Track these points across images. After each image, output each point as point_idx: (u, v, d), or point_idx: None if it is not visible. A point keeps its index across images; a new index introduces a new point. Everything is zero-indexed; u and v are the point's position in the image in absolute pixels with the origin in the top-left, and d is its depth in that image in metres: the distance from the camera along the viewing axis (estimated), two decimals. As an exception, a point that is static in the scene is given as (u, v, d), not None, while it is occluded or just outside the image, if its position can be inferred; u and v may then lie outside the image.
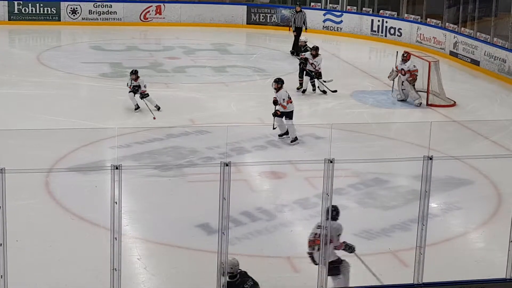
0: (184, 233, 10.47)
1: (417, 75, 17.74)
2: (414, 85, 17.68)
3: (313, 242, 8.59)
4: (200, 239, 10.25)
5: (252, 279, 8.18)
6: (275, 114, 14.30)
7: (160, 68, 20.93)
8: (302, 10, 23.67)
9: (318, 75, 18.14)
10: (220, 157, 12.81)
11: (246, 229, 10.60)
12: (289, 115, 14.38)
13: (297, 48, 22.16)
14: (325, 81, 18.15)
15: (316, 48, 18.21)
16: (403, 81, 17.74)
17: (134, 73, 16.36)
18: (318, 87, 18.21)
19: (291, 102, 14.46)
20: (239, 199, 10.77)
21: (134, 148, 13.63)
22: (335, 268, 8.55)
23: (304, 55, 18.44)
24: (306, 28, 23.22)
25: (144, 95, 16.18)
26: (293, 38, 23.09)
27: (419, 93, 17.71)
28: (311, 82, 18.25)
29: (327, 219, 8.27)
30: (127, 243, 9.76)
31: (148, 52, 23.40)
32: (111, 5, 27.23)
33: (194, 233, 10.43)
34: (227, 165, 7.93)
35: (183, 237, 10.34)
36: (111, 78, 19.52)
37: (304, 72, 18.22)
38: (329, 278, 8.25)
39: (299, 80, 18.57)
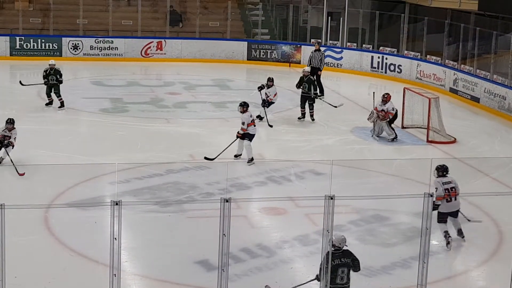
0: (183, 269, 10.41)
1: (393, 114, 17.65)
2: (388, 122, 17.67)
3: None
4: (199, 276, 10.18)
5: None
6: (237, 136, 15.42)
7: (160, 104, 20.99)
8: (321, 48, 23.15)
9: (268, 104, 18.62)
10: (220, 193, 12.78)
11: (246, 266, 10.54)
12: (249, 136, 15.35)
13: (321, 89, 21.68)
14: (335, 106, 18.95)
15: (271, 80, 18.90)
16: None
17: (11, 122, 14.62)
18: (261, 116, 18.55)
19: (253, 125, 15.48)
20: (239, 235, 10.74)
21: (133, 184, 13.61)
22: None
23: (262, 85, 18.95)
24: (321, 69, 22.16)
25: (7, 145, 14.42)
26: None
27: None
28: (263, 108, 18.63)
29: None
30: (126, 280, 9.69)
31: (149, 87, 23.48)
32: (112, 41, 27.39)
33: (194, 270, 10.37)
34: (227, 201, 7.93)
35: (183, 274, 10.27)
36: (112, 114, 19.56)
37: (261, 101, 18.66)
38: None
39: (301, 110, 18.76)
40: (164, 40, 27.91)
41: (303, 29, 28.84)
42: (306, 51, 27.58)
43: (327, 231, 8.26)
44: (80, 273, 10.17)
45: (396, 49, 26.11)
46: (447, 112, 19.43)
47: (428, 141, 17.60)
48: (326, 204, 8.20)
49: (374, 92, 18.94)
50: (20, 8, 27.65)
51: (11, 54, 26.73)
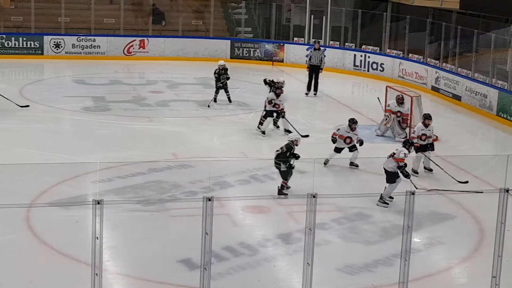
0: (166, 268, 10.38)
1: (408, 116, 17.80)
2: (399, 121, 17.77)
3: None
4: (182, 274, 10.16)
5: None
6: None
7: (143, 102, 20.94)
8: (321, 48, 23.27)
9: (282, 114, 17.51)
10: (203, 191, 12.77)
11: (228, 264, 10.53)
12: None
13: (316, 87, 22.07)
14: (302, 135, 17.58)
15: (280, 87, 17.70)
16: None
17: None
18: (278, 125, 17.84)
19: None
20: (222, 234, 10.73)
21: (116, 183, 13.56)
22: None
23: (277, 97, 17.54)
24: (322, 68, 22.48)
25: None
26: (308, 77, 22.46)
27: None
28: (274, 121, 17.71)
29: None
30: (108, 279, 9.65)
31: (131, 86, 23.42)
32: (94, 39, 27.30)
33: (176, 269, 10.35)
34: (209, 199, 7.92)
35: (165, 273, 10.25)
36: (94, 112, 19.49)
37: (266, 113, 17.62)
38: None
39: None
40: (147, 39, 27.85)
41: (286, 28, 28.90)
42: (289, 49, 27.69)
43: (310, 229, 8.28)
44: (62, 273, 10.12)
45: (378, 48, 26.21)
46: (429, 110, 19.36)
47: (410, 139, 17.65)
48: (309, 202, 8.22)
49: (378, 97, 18.97)
50: (1, 6, 27.48)
51: (-8, 53, 26.60)
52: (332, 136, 15.02)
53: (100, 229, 7.71)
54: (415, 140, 14.51)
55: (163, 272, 10.25)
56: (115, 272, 10.18)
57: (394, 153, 13.13)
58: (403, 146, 13.43)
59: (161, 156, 15.60)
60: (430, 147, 14.73)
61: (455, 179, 13.97)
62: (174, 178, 14.20)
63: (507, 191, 8.86)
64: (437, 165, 14.30)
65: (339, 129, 14.91)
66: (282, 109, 17.51)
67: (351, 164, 14.73)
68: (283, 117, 17.49)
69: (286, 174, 13.17)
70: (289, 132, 17.36)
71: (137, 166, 14.62)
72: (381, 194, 12.96)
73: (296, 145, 13.35)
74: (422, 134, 14.67)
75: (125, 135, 17.39)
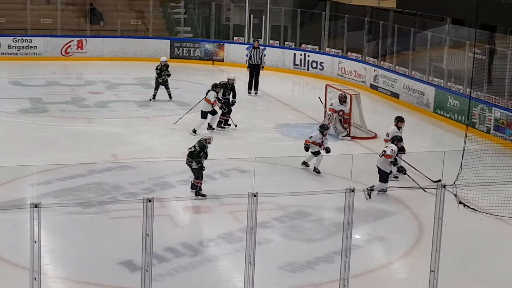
0: (107, 271, 10.28)
1: (349, 115, 17.93)
2: (340, 120, 17.90)
3: None
4: (123, 276, 10.08)
5: None
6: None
7: (82, 103, 20.67)
8: (260, 47, 23.46)
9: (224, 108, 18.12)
10: (144, 192, 12.68)
11: (170, 265, 10.48)
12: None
13: (256, 86, 22.27)
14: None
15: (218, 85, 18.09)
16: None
17: None
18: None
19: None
20: (163, 234, 10.69)
21: (55, 185, 13.37)
22: None
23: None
24: (263, 66, 22.87)
25: None
26: (248, 75, 22.52)
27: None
28: None
29: None
30: (48, 283, 9.52)
31: (69, 87, 23.09)
32: (31, 40, 26.84)
33: (117, 271, 10.25)
34: (150, 201, 7.87)
35: (106, 275, 10.14)
36: (31, 114, 19.15)
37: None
38: None
39: (227, 117, 18.20)
40: (85, 39, 27.50)
41: (226, 27, 28.88)
42: (229, 49, 27.68)
43: (251, 228, 8.30)
44: (0, 278, 9.93)
45: (318, 47, 26.41)
46: (368, 108, 19.76)
47: (350, 136, 17.85)
48: (250, 201, 8.23)
49: (320, 97, 19.07)
50: None
51: None
52: (305, 144, 15.01)
53: (38, 232, 7.60)
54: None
55: (104, 275, 10.14)
56: (54, 276, 10.05)
57: (384, 151, 13.37)
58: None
59: (101, 157, 15.43)
60: (401, 149, 14.66)
61: (430, 179, 13.94)
62: (114, 180, 14.06)
63: (444, 186, 9.02)
64: (411, 166, 14.21)
65: (311, 136, 14.94)
66: (222, 105, 17.89)
67: (314, 169, 14.78)
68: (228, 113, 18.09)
69: (198, 173, 13.14)
70: (213, 129, 17.47)
71: (77, 168, 14.44)
72: (373, 186, 13.40)
73: (209, 143, 13.37)
74: (394, 137, 14.46)
75: (63, 137, 17.15)
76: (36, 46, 26.91)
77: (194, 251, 11.11)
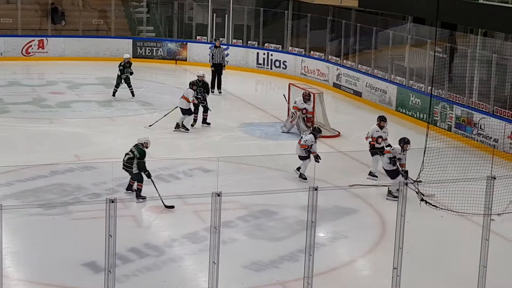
0: (70, 272, 10.20)
1: (313, 113, 18.01)
2: (304, 119, 17.96)
3: None
4: (86, 278, 10.01)
5: None
6: None
7: (43, 104, 20.46)
8: (222, 46, 23.44)
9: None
10: (107, 193, 12.60)
11: (134, 266, 10.43)
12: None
13: (219, 85, 22.31)
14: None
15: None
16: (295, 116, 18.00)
17: None
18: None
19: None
20: (127, 235, 10.65)
21: (16, 187, 13.23)
22: None
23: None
24: (225, 65, 22.91)
25: None
26: (211, 74, 22.34)
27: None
28: None
29: None
30: (10, 285, 9.42)
31: (30, 87, 22.84)
32: (-9, 40, 26.52)
33: (81, 272, 10.18)
34: (112, 201, 7.82)
35: (69, 277, 10.07)
36: (-8, 115, 18.92)
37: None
38: None
39: (194, 116, 18.16)
40: (46, 39, 27.22)
41: (189, 26, 28.82)
42: (192, 48, 27.62)
43: (215, 228, 8.29)
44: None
45: (281, 46, 26.47)
46: (331, 107, 19.87)
47: (313, 135, 17.91)
48: (214, 201, 8.22)
49: (284, 94, 19.10)
50: None
51: None
52: (303, 148, 14.67)
53: (0, 234, 7.50)
54: (369, 140, 14.79)
55: (67, 276, 10.07)
56: (16, 278, 9.95)
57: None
58: (398, 144, 13.71)
59: (63, 158, 15.28)
60: (381, 149, 14.59)
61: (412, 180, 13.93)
62: (76, 180, 13.95)
63: (406, 184, 9.10)
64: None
65: (306, 140, 14.71)
66: (201, 101, 18.19)
67: (300, 176, 14.62)
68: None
69: (139, 177, 13.07)
70: (187, 129, 17.48)
71: (38, 169, 14.30)
72: (388, 189, 13.58)
73: (146, 147, 13.31)
74: (378, 137, 14.74)
75: (25, 138, 16.97)
76: (-4, 46, 26.58)
77: (158, 251, 11.06)
